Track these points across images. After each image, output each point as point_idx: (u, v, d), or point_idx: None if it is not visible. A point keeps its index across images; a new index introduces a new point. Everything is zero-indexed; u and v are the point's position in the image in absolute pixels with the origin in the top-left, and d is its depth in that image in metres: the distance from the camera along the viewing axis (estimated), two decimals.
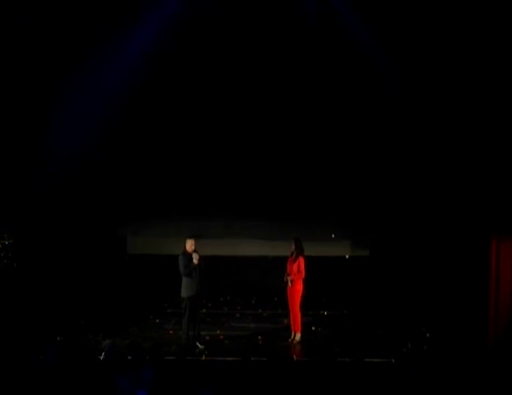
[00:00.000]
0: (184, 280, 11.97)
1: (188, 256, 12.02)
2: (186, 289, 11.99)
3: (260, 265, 14.32)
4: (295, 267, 12.37)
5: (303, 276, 12.40)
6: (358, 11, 12.79)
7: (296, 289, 12.41)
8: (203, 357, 11.61)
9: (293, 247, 12.41)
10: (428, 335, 12.76)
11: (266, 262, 14.18)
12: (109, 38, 12.57)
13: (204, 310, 13.32)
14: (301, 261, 12.43)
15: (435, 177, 13.01)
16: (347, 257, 14.24)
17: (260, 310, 14.06)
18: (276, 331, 12.72)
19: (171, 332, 13.04)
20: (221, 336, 12.89)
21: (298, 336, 12.48)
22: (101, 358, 10.33)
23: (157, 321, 13.66)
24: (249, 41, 13.12)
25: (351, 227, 14.10)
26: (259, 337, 12.86)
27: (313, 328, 13.44)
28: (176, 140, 13.59)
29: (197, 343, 12.09)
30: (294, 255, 12.39)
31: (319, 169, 13.85)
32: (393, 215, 13.59)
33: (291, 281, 12.29)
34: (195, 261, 11.88)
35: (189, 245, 12.04)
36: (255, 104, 13.49)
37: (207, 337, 12.65)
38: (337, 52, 13.13)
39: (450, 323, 12.72)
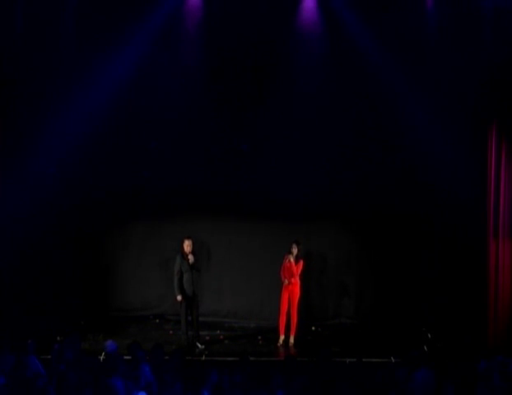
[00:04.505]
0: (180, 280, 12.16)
1: (185, 256, 12.12)
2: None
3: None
4: (296, 269, 12.44)
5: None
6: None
7: (296, 292, 12.48)
8: (203, 357, 11.63)
9: (294, 249, 12.45)
10: (430, 335, 12.79)
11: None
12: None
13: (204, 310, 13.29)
14: (303, 264, 12.52)
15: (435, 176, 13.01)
16: None
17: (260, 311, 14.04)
18: (276, 331, 12.70)
19: (171, 332, 13.06)
20: (221, 337, 12.90)
21: (292, 339, 12.56)
22: (101, 358, 10.36)
23: (157, 321, 13.68)
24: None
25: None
26: (259, 337, 12.89)
27: (313, 328, 13.47)
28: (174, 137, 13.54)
29: (197, 343, 12.12)
30: (294, 258, 12.44)
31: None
32: (392, 214, 13.59)
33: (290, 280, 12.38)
34: (190, 261, 12.04)
35: (186, 246, 12.14)
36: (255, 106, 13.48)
37: (207, 337, 12.67)
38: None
39: (450, 323, 12.73)
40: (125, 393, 8.19)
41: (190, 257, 12.12)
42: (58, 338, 11.44)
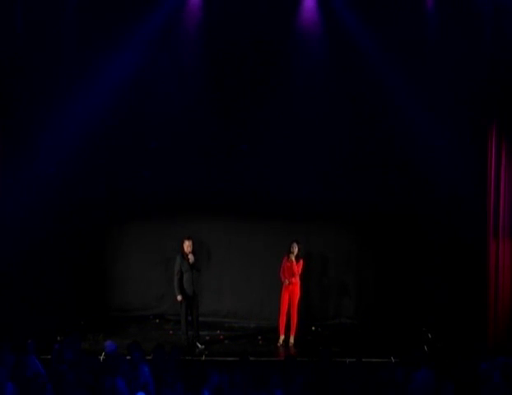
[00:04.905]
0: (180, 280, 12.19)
1: (185, 256, 12.14)
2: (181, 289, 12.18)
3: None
4: (297, 268, 12.44)
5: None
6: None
7: (296, 292, 12.49)
8: (203, 357, 11.63)
9: (294, 248, 12.46)
10: (430, 335, 12.79)
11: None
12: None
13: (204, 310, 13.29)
14: (303, 263, 12.53)
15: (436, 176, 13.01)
16: None
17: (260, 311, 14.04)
18: (276, 331, 12.70)
19: (171, 332, 13.06)
20: (221, 337, 12.91)
21: (292, 339, 12.57)
22: (101, 358, 10.37)
23: (157, 321, 13.68)
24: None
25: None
26: (259, 337, 12.89)
27: (313, 328, 13.47)
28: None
29: (197, 343, 12.13)
30: (294, 257, 12.45)
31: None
32: (392, 214, 13.58)
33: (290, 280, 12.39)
34: (190, 261, 12.08)
35: (186, 246, 12.16)
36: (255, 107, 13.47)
37: (207, 337, 12.68)
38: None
39: (450, 323, 12.73)
40: (125, 394, 8.21)
41: (190, 256, 12.14)
42: (58, 338, 11.45)
